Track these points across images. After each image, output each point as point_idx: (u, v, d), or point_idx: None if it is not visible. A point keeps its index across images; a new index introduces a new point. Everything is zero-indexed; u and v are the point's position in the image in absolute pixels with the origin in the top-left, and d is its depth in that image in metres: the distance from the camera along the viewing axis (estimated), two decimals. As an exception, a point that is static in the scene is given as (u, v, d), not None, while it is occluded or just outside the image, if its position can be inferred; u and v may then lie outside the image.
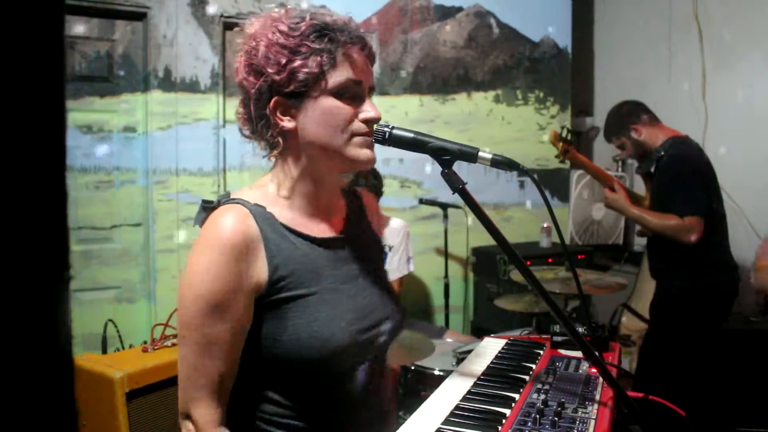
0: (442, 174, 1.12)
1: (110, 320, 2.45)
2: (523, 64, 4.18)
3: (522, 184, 4.17)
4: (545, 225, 3.93)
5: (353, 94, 1.11)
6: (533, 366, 1.39)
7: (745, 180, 3.44)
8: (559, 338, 1.53)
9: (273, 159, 1.18)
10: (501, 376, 1.33)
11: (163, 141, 3.14)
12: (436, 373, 2.42)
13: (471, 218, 3.73)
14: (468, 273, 4.04)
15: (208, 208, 1.15)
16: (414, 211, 3.77)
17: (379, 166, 2.90)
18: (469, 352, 1.58)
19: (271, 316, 1.09)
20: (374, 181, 2.88)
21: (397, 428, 1.10)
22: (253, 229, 1.08)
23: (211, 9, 3.22)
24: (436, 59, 3.92)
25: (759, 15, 3.58)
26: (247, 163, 3.33)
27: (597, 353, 1.19)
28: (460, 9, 3.96)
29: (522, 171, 1.12)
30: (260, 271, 1.07)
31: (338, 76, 1.08)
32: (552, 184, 4.27)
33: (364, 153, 1.11)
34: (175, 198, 3.17)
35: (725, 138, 3.61)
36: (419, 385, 2.43)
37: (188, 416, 1.09)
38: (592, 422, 1.09)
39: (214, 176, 3.27)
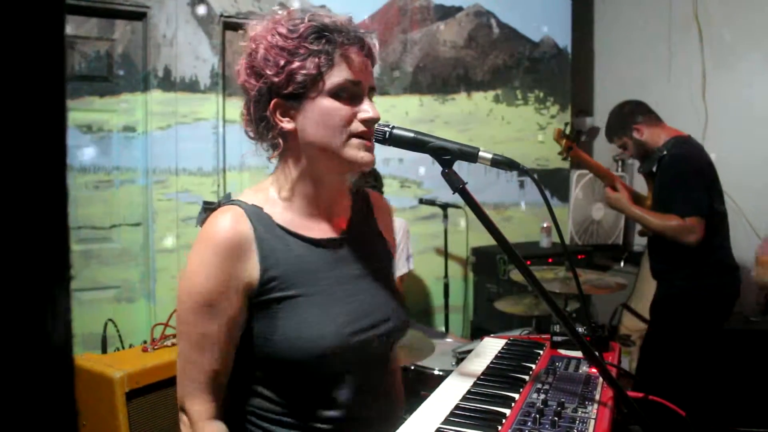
0: (443, 174, 1.13)
1: (110, 320, 2.45)
2: (522, 64, 4.18)
3: (522, 184, 4.17)
4: (545, 225, 3.93)
5: (352, 94, 1.11)
6: (533, 366, 1.38)
7: (745, 180, 3.44)
8: (558, 338, 1.53)
9: (274, 160, 1.19)
10: (501, 375, 1.33)
11: (163, 141, 3.14)
12: (436, 373, 2.42)
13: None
14: (468, 273, 4.04)
15: (208, 209, 1.18)
16: (414, 210, 3.78)
17: (379, 166, 2.91)
18: (469, 351, 1.58)
19: (262, 316, 1.11)
20: (374, 182, 2.88)
21: (397, 428, 1.10)
22: (247, 230, 1.10)
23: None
24: (436, 59, 3.92)
25: (759, 15, 3.58)
26: (246, 163, 3.33)
27: (597, 353, 1.19)
28: (459, 9, 3.96)
29: (522, 171, 1.12)
30: (252, 271, 1.09)
31: (336, 76, 1.09)
32: (552, 184, 4.27)
33: (361, 155, 1.12)
34: (175, 198, 3.17)
35: (725, 138, 3.61)
36: (419, 385, 2.43)
37: (183, 409, 1.12)
38: (592, 422, 1.09)
39: (214, 176, 3.27)
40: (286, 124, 1.12)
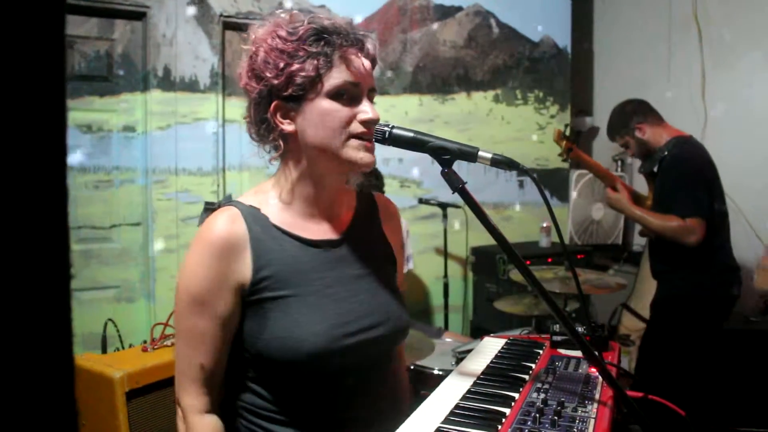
0: (442, 173, 1.13)
1: (110, 320, 2.45)
2: (522, 64, 4.18)
3: (521, 184, 4.17)
4: (545, 225, 3.93)
5: (351, 96, 1.12)
6: (533, 365, 1.39)
7: (744, 180, 3.44)
8: (558, 338, 1.53)
9: (275, 161, 1.20)
10: (501, 375, 1.33)
11: (163, 140, 3.13)
12: (436, 372, 2.42)
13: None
14: (467, 272, 4.04)
15: (209, 209, 1.20)
16: (413, 210, 3.78)
17: (378, 166, 2.91)
18: (469, 351, 1.58)
19: (253, 314, 1.13)
20: (375, 182, 2.87)
21: (397, 428, 1.10)
22: (241, 231, 1.12)
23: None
24: (436, 59, 3.92)
25: (759, 15, 3.58)
26: (246, 163, 3.33)
27: (596, 353, 1.19)
28: (459, 9, 3.96)
29: (522, 170, 1.12)
30: (244, 270, 1.12)
31: (335, 78, 1.10)
32: (551, 183, 4.27)
33: (360, 155, 1.12)
34: (175, 197, 3.16)
35: (725, 138, 3.61)
36: (419, 385, 2.43)
37: (179, 403, 1.16)
38: (592, 421, 1.09)
39: (214, 176, 3.27)
40: (287, 126, 1.13)
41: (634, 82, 4.19)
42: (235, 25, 3.29)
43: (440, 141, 1.13)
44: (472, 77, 4.03)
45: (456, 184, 1.12)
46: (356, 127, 1.12)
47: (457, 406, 1.16)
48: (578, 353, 1.44)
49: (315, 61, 1.08)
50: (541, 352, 1.49)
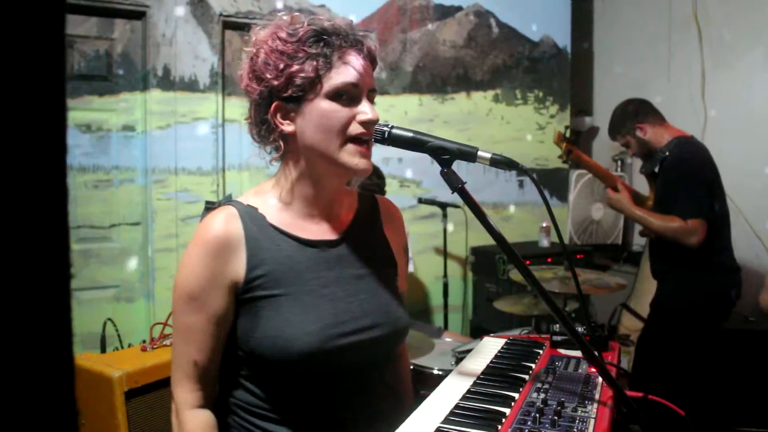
0: (442, 173, 1.13)
1: (109, 319, 2.45)
2: (522, 64, 4.18)
3: (521, 184, 4.17)
4: (544, 224, 3.93)
5: (351, 96, 1.12)
6: (533, 365, 1.39)
7: (744, 180, 3.44)
8: (558, 338, 1.53)
9: (276, 162, 1.21)
10: (500, 375, 1.33)
11: (162, 140, 3.13)
12: (435, 372, 2.42)
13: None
14: (467, 272, 4.04)
15: (209, 208, 1.21)
16: (413, 210, 3.77)
17: (378, 166, 2.91)
18: (468, 351, 1.58)
19: (246, 312, 1.14)
20: (377, 180, 2.87)
21: (396, 428, 1.10)
22: (237, 230, 1.14)
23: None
24: (436, 59, 3.92)
25: (759, 15, 3.58)
26: (246, 163, 3.33)
27: (596, 353, 1.19)
28: (459, 8, 3.96)
29: (521, 170, 1.12)
30: (238, 268, 1.13)
31: (334, 79, 1.10)
32: (551, 183, 4.27)
33: (356, 161, 1.13)
34: (174, 197, 3.16)
35: (724, 138, 3.61)
36: (418, 385, 2.43)
37: (173, 397, 1.17)
38: (592, 421, 1.09)
39: (213, 175, 3.26)
40: (286, 127, 1.14)
41: (633, 82, 4.19)
42: (234, 25, 3.28)
43: (440, 141, 1.13)
44: (471, 77, 4.03)
45: (455, 184, 1.12)
46: (355, 128, 1.12)
47: (457, 406, 1.16)
48: (578, 353, 1.44)
49: (314, 62, 1.09)
50: (540, 352, 1.49)
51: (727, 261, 2.77)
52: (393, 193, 3.64)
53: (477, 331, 3.82)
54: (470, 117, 4.01)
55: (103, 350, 2.43)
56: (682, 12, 3.96)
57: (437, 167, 1.13)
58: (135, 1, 3.05)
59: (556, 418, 1.08)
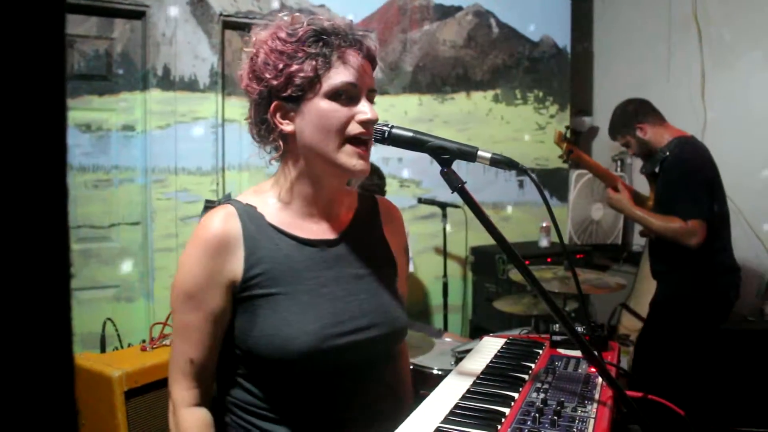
0: (442, 173, 1.13)
1: (109, 319, 2.45)
2: (522, 64, 4.18)
3: (521, 184, 4.17)
4: (544, 224, 3.93)
5: (350, 96, 1.12)
6: (532, 365, 1.38)
7: (744, 180, 3.44)
8: (558, 337, 1.53)
9: (275, 161, 1.21)
10: (500, 375, 1.33)
11: (162, 140, 3.13)
12: (435, 372, 2.42)
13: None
14: (467, 272, 4.04)
15: (209, 207, 1.21)
16: (413, 210, 3.77)
17: (378, 166, 2.91)
18: (468, 351, 1.58)
19: (244, 311, 1.14)
20: (378, 181, 2.87)
21: (395, 428, 1.10)
22: (235, 229, 1.14)
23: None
24: (436, 58, 3.92)
25: (758, 15, 3.58)
26: (245, 162, 3.33)
27: (596, 352, 1.19)
28: (459, 8, 3.96)
29: (521, 170, 1.12)
30: (236, 267, 1.13)
31: (333, 79, 1.11)
32: (551, 183, 4.27)
33: (353, 162, 1.13)
34: (174, 197, 3.16)
35: (724, 138, 3.61)
36: (418, 384, 2.43)
37: (170, 395, 1.18)
38: (592, 421, 1.09)
39: (213, 175, 3.26)
40: (286, 127, 1.14)
41: (633, 82, 4.19)
42: (234, 25, 3.28)
43: (439, 141, 1.13)
44: (471, 77, 4.03)
45: (455, 183, 1.11)
46: (354, 128, 1.12)
47: (456, 406, 1.16)
48: (578, 353, 1.44)
49: (313, 62, 1.09)
50: (540, 351, 1.49)
51: (727, 261, 2.77)
52: (393, 193, 3.64)
53: (477, 331, 3.82)
54: (470, 117, 4.01)
55: (103, 350, 2.43)
56: (682, 12, 3.96)
57: (437, 167, 1.13)
58: (135, 0, 3.05)
59: (555, 417, 1.08)
